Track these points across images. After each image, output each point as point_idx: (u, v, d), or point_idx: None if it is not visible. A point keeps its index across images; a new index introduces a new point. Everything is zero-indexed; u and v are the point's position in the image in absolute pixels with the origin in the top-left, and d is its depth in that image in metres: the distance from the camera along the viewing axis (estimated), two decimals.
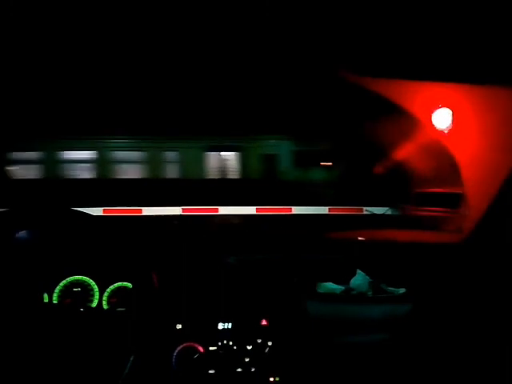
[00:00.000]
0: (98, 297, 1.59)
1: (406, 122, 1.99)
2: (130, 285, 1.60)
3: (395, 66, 1.68)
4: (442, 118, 1.86)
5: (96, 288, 1.60)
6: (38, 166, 3.98)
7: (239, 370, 1.40)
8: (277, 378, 1.40)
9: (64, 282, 1.58)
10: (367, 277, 1.68)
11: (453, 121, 1.83)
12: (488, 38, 1.49)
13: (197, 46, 1.70)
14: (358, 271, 1.70)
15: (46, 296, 1.56)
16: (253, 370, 1.40)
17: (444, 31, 1.50)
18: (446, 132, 1.83)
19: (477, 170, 1.61)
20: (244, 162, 4.09)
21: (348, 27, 1.52)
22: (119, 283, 1.60)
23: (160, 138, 3.91)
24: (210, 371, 1.39)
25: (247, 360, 1.41)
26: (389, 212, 2.56)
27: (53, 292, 1.56)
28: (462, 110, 1.80)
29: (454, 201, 1.74)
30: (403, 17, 1.47)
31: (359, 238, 1.89)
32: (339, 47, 1.64)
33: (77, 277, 1.60)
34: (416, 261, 1.66)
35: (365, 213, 3.07)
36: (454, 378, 1.48)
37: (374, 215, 2.77)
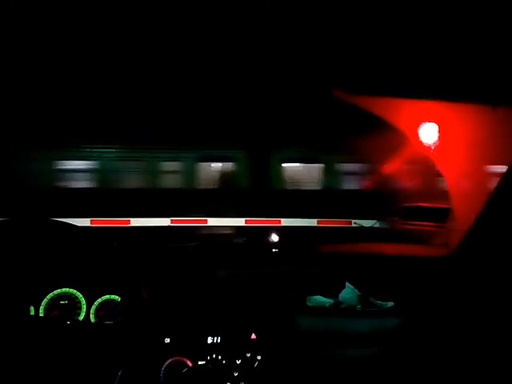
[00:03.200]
0: (85, 310, 1.57)
1: (394, 137, 2.02)
2: (117, 298, 1.58)
3: (384, 85, 1.71)
4: (428, 133, 1.90)
5: (83, 301, 1.58)
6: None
7: None
8: None
9: (51, 294, 1.56)
10: (356, 290, 1.69)
11: (439, 136, 1.86)
12: (475, 60, 1.53)
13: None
14: (347, 284, 1.70)
15: (32, 309, 1.53)
16: None
17: (433, 52, 1.54)
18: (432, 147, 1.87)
19: (463, 184, 1.64)
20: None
21: (342, 46, 1.54)
22: (107, 296, 1.58)
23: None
24: None
25: (236, 375, 1.39)
26: (377, 225, 2.58)
27: (39, 305, 1.54)
28: (449, 125, 1.84)
29: (441, 215, 1.76)
30: (395, 38, 1.50)
31: (348, 251, 1.90)
32: (332, 65, 1.65)
33: (64, 289, 1.57)
34: (404, 274, 1.67)
35: (353, 225, 3.09)
36: None
37: (362, 228, 2.79)
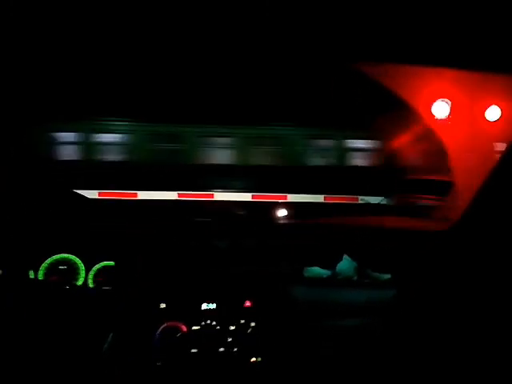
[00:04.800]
0: (84, 275, 1.59)
1: (403, 112, 1.98)
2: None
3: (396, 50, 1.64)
4: (440, 109, 1.85)
5: (82, 266, 1.60)
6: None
7: (221, 349, 1.40)
8: (258, 359, 1.41)
9: (50, 259, 1.58)
10: (353, 262, 1.68)
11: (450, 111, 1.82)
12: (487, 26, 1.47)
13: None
14: (345, 256, 1.70)
15: (31, 272, 1.56)
16: (235, 350, 1.41)
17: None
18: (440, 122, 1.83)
19: (465, 159, 1.61)
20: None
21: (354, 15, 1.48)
22: (105, 262, 1.60)
23: None
24: (193, 350, 1.40)
25: (229, 340, 1.41)
26: (384, 202, 2.56)
27: (38, 269, 1.57)
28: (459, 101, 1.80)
29: (441, 189, 1.73)
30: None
31: (347, 224, 1.88)
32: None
33: (63, 255, 1.60)
34: (402, 247, 1.66)
35: (360, 202, 3.07)
36: (436, 363, 1.48)
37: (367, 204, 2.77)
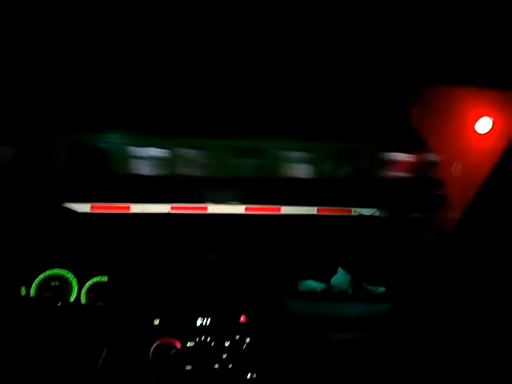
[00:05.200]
0: (76, 291, 1.58)
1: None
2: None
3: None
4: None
5: (75, 282, 1.58)
6: None
7: (216, 366, 1.39)
8: (254, 375, 1.39)
9: (42, 275, 1.56)
10: (348, 275, 1.68)
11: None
12: None
13: None
14: (340, 269, 1.70)
15: (23, 289, 1.54)
16: (230, 366, 1.39)
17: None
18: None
19: (456, 171, 1.62)
20: None
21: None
22: (98, 278, 1.59)
23: None
24: (187, 367, 1.38)
25: (225, 356, 1.40)
26: (377, 213, 2.56)
27: (30, 285, 1.55)
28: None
29: (434, 202, 1.74)
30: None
31: (341, 236, 1.89)
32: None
33: (55, 270, 1.58)
34: (396, 260, 1.66)
35: (353, 214, 3.07)
36: (432, 376, 1.48)
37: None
